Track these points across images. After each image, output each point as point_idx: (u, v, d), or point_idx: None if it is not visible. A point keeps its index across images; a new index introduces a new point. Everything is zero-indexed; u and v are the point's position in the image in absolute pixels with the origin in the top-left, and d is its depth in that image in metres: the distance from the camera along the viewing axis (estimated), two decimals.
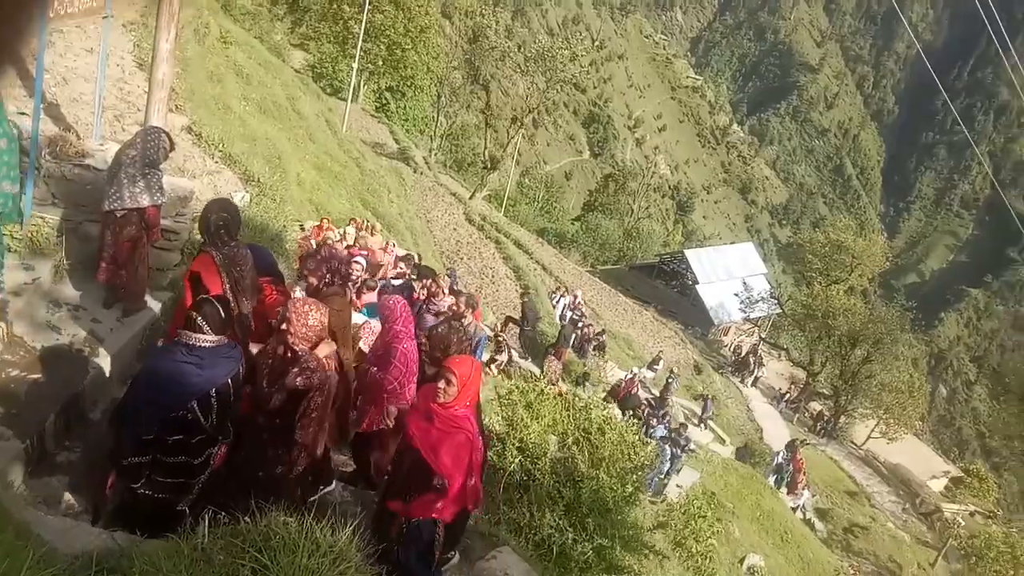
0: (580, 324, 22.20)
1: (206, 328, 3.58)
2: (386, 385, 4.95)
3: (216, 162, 8.73)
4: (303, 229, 10.79)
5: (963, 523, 26.38)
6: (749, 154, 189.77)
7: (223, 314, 3.71)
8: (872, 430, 35.06)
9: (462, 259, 25.02)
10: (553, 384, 13.87)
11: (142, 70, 8.67)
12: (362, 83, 37.37)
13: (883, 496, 30.60)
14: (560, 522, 5.14)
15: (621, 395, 17.52)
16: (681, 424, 18.63)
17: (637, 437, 6.08)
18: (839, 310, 34.96)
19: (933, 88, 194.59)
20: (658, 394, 23.09)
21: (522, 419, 5.78)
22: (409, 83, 41.74)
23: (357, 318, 6.21)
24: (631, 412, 15.61)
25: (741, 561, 14.46)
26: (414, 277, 10.06)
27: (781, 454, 24.04)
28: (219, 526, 2.84)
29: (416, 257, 13.96)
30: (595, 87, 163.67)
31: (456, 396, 3.78)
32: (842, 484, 29.63)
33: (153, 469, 3.58)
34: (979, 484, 34.72)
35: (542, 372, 15.66)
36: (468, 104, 55.73)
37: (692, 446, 18.38)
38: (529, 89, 36.24)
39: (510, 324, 18.94)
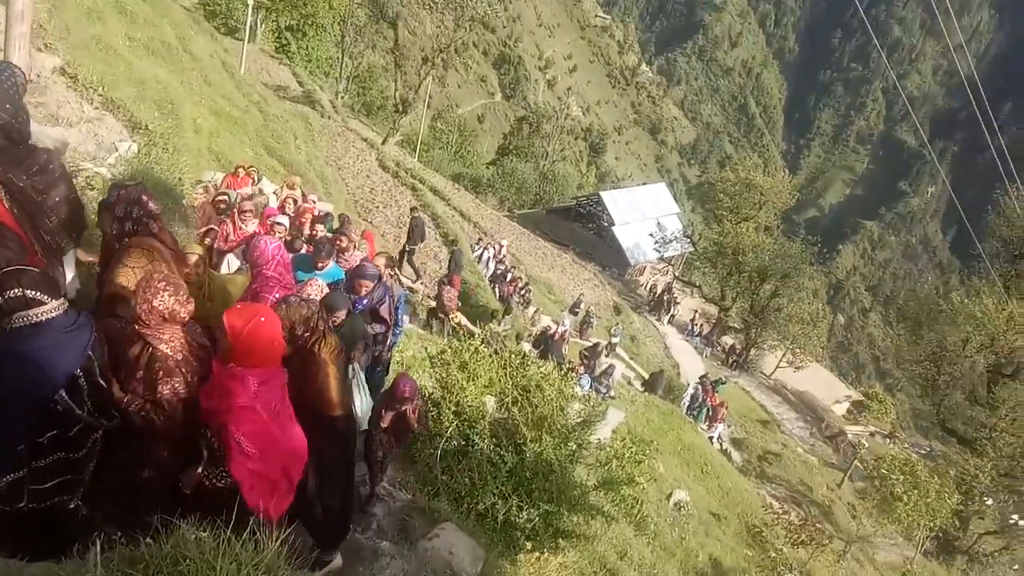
0: (508, 277, 21.95)
1: (41, 296, 2.92)
2: None
3: (96, 108, 7.72)
4: (202, 184, 9.77)
5: (866, 444, 28.11)
6: (658, 94, 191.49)
7: (44, 273, 3.05)
8: (780, 360, 36.67)
9: (377, 207, 24.12)
10: (451, 313, 13.54)
11: None
12: (259, 22, 34.99)
13: (792, 423, 32.22)
14: (503, 489, 4.87)
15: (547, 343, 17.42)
16: (604, 371, 18.78)
17: (573, 391, 5.85)
18: (749, 247, 35.97)
19: (831, 26, 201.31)
20: (578, 334, 23.25)
21: (457, 381, 5.43)
22: (310, 21, 39.39)
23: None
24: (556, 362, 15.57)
25: (668, 497, 14.80)
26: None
27: (692, 388, 24.82)
28: (113, 547, 2.35)
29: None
30: (504, 26, 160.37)
31: (231, 353, 3.17)
32: (754, 413, 30.97)
33: (32, 479, 3.01)
34: (878, 406, 37.04)
35: (436, 303, 15.13)
36: (374, 44, 53.40)
37: (612, 393, 18.61)
38: (438, 27, 34.92)
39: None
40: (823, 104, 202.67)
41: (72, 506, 3.21)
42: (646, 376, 25.04)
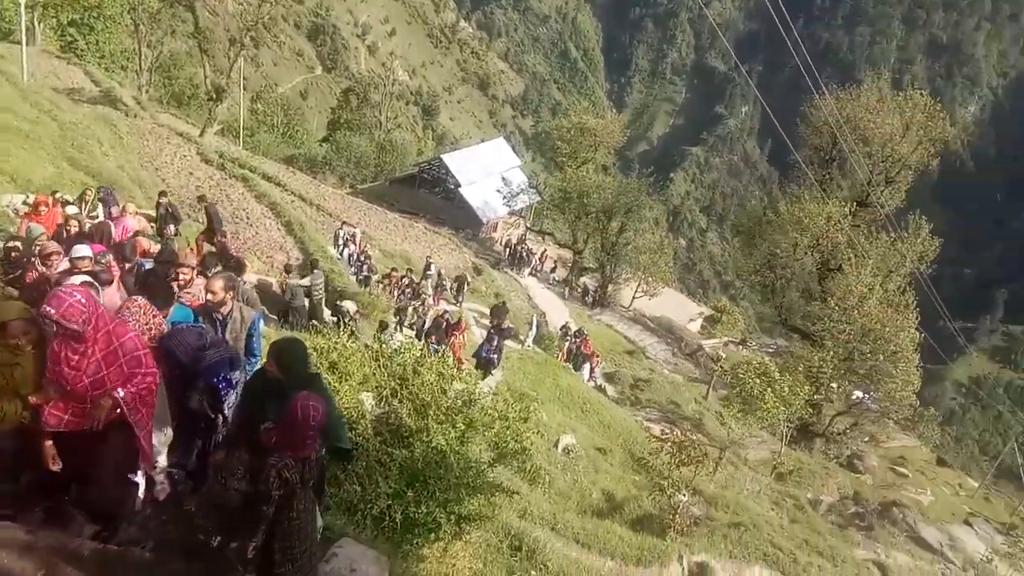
0: (365, 267, 21.24)
1: None
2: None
3: None
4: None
5: (723, 355, 30.25)
6: (481, 49, 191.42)
7: None
8: (635, 291, 38.48)
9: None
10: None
11: None
12: (36, 20, 31.13)
13: (655, 347, 34.02)
14: (396, 487, 4.68)
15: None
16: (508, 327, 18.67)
17: (455, 370, 5.71)
18: (592, 188, 37.16)
19: None
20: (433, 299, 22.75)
21: (329, 383, 5.12)
22: (96, 14, 35.60)
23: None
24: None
25: (555, 444, 15.19)
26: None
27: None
28: None
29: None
30: None
31: None
32: (620, 346, 32.38)
33: None
34: (727, 317, 39.91)
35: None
36: (173, 30, 49.35)
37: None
38: (241, 4, 32.77)
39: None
40: (637, 41, 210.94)
41: None
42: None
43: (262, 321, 5.70)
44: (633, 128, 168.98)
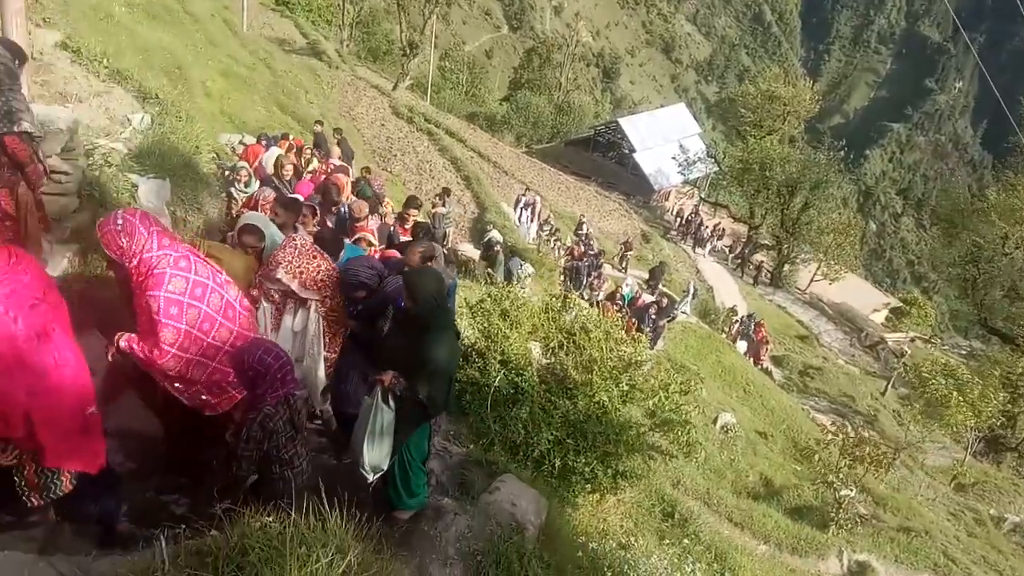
0: (554, 237, 21.20)
1: None
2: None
3: (103, 81, 7.52)
4: (218, 157, 9.49)
5: (908, 351, 27.83)
6: (669, 11, 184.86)
7: None
8: (815, 273, 36.14)
9: (395, 156, 23.83)
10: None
11: None
12: None
13: (831, 335, 31.92)
14: (558, 435, 4.80)
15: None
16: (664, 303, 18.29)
17: (623, 333, 5.71)
18: (776, 160, 35.06)
19: None
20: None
21: (499, 329, 5.29)
22: None
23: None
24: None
25: (714, 421, 14.82)
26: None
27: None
28: (179, 542, 2.28)
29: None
30: None
31: None
32: (792, 329, 30.70)
33: None
34: (917, 311, 36.54)
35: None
36: None
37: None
38: None
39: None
40: (841, 5, 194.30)
41: None
42: (677, 299, 24.63)
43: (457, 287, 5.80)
44: (827, 99, 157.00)
